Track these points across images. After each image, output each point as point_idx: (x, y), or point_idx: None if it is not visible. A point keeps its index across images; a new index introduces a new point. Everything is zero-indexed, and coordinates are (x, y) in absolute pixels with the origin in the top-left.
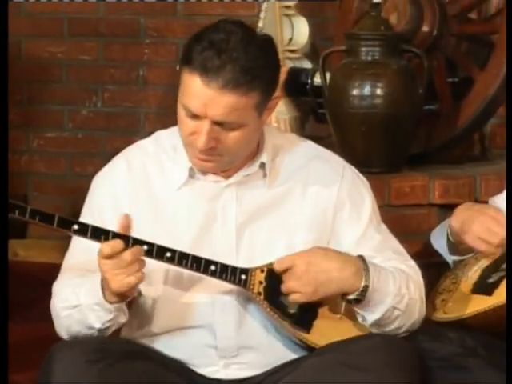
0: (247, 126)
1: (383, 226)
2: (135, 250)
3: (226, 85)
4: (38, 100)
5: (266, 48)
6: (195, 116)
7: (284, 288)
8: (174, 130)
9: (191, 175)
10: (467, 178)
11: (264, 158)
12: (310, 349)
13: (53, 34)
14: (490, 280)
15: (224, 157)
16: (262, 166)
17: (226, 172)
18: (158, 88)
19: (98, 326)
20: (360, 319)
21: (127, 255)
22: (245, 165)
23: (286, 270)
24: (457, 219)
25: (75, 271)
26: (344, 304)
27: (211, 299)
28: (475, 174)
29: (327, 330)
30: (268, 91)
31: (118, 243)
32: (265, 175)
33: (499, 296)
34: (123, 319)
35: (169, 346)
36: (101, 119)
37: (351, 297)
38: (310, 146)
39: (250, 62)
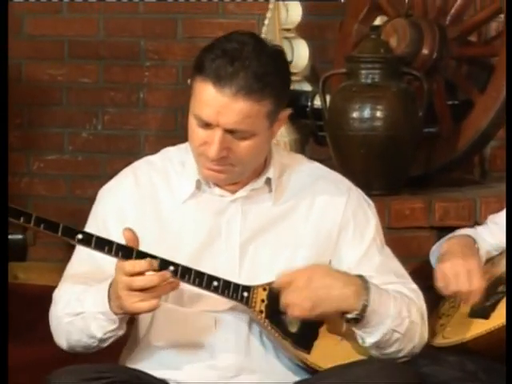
0: (258, 135)
1: (387, 249)
2: (149, 278)
3: (239, 91)
4: (38, 123)
5: (277, 57)
6: (207, 125)
7: (282, 301)
8: (181, 146)
9: (198, 187)
10: (467, 201)
11: (270, 173)
12: (310, 370)
13: (53, 56)
14: (488, 303)
15: (235, 167)
16: (268, 181)
17: (233, 186)
18: (158, 110)
19: (99, 335)
20: (360, 341)
21: (138, 280)
22: (251, 180)
23: (286, 285)
24: (446, 246)
25: (77, 279)
26: (345, 325)
27: (213, 317)
28: (475, 197)
29: (328, 351)
30: (279, 100)
31: (142, 264)
32: (270, 191)
33: (496, 319)
34: (121, 332)
35: (167, 363)
36: (101, 142)
37: (350, 316)
38: (316, 166)
39: (262, 68)
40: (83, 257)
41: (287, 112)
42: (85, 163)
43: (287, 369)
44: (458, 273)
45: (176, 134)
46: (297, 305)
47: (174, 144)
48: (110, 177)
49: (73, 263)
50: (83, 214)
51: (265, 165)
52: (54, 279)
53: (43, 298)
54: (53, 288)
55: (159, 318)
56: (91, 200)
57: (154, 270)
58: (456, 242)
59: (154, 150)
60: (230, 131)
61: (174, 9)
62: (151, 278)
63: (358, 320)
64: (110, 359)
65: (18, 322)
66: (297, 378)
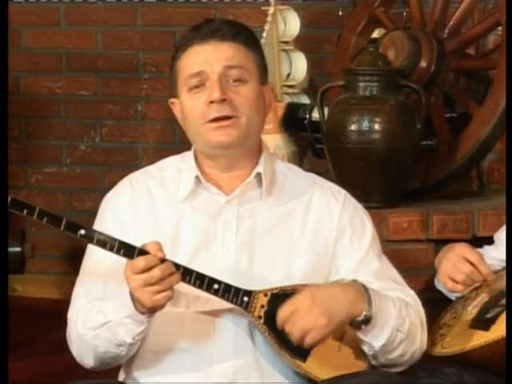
0: (251, 82)
1: (384, 257)
2: (164, 267)
3: (223, 36)
4: (36, 135)
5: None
6: (201, 82)
7: (296, 333)
8: (177, 156)
9: (196, 184)
10: (465, 214)
11: (260, 168)
12: (306, 378)
13: (51, 69)
14: (488, 315)
15: (240, 118)
16: (259, 177)
17: (228, 186)
18: (156, 123)
19: (129, 340)
20: (366, 349)
21: (156, 271)
22: (244, 179)
23: (290, 316)
24: (436, 259)
25: (89, 296)
26: (344, 334)
27: (211, 321)
28: (473, 210)
29: (324, 361)
30: (262, 58)
31: (152, 258)
32: (268, 193)
33: (496, 331)
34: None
35: (165, 368)
36: (99, 154)
37: (360, 318)
38: (311, 175)
39: (237, 26)
40: (91, 272)
41: (270, 88)
42: (83, 176)
43: (285, 375)
44: (454, 264)
45: (174, 146)
46: (313, 328)
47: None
48: (108, 189)
49: (81, 282)
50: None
51: (256, 163)
52: (52, 292)
53: (42, 311)
54: (51, 301)
55: (156, 322)
56: (89, 212)
57: (133, 256)
58: (442, 250)
59: (152, 163)
60: (224, 72)
61: (171, 22)
62: (165, 267)
63: (367, 322)
64: (109, 375)
65: (17, 335)
66: (295, 383)
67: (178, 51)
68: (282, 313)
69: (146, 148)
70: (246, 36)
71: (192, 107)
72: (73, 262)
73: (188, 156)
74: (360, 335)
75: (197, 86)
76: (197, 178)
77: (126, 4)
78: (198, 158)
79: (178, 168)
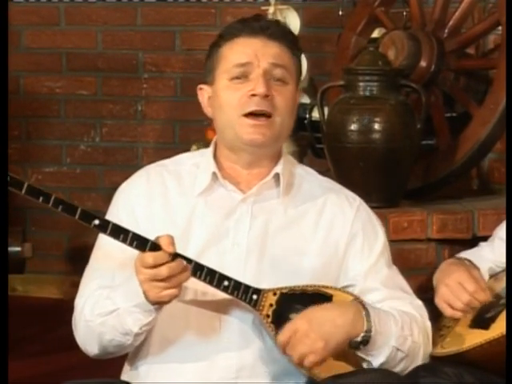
0: (290, 84)
1: (394, 266)
2: (174, 265)
3: (272, 35)
4: (36, 135)
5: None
6: (244, 74)
7: (296, 357)
8: (195, 152)
9: (213, 180)
10: (465, 213)
11: (279, 169)
12: (309, 377)
13: (51, 69)
14: (488, 315)
15: (275, 116)
16: (277, 178)
17: (245, 184)
18: (156, 123)
19: (135, 329)
20: (365, 365)
21: (164, 270)
22: (262, 178)
23: (289, 339)
24: (435, 276)
25: (98, 282)
26: (349, 349)
27: (218, 317)
28: (473, 209)
29: (328, 361)
30: (299, 66)
31: (161, 255)
32: (284, 194)
33: (495, 330)
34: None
35: (169, 362)
36: (99, 154)
37: (357, 339)
38: (328, 180)
39: (284, 28)
40: (100, 263)
41: (299, 93)
42: (83, 175)
43: (289, 372)
44: (452, 291)
45: (174, 146)
46: (310, 352)
47: (172, 156)
48: (108, 189)
49: (90, 270)
50: (81, 227)
51: (275, 164)
52: (52, 292)
53: (42, 311)
54: (51, 300)
55: (162, 314)
56: None
57: (145, 249)
58: (440, 268)
59: (152, 162)
60: (269, 69)
61: (171, 21)
62: (174, 265)
63: (365, 342)
64: (112, 371)
65: (17, 335)
66: (298, 382)
67: (221, 39)
68: (281, 337)
69: (146, 148)
70: (292, 40)
71: (230, 97)
72: (73, 261)
73: (207, 151)
74: (359, 354)
75: (238, 77)
76: (214, 174)
77: (125, 4)
78: (217, 152)
79: (195, 163)
